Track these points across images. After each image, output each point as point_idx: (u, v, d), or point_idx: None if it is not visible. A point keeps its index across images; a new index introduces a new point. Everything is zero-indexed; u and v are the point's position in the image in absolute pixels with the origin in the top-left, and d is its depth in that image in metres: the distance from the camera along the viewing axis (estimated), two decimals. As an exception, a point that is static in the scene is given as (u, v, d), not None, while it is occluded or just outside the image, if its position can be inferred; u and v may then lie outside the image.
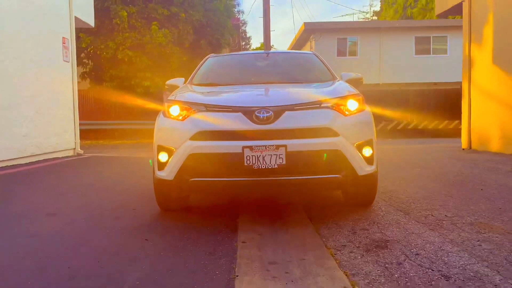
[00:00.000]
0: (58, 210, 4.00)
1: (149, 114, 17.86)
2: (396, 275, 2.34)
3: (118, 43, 16.30)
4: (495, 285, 2.15)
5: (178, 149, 3.30)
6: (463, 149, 9.71)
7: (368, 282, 2.26)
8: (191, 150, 3.24)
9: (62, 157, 8.69)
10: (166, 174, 3.37)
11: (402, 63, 24.35)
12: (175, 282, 2.29)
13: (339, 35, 25.07)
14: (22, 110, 7.39)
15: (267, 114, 3.22)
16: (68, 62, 9.18)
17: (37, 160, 7.84)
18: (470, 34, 9.42)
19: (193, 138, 3.26)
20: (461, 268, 2.39)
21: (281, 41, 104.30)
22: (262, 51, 6.36)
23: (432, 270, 2.39)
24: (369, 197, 3.83)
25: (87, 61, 17.87)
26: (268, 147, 3.17)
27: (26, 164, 7.28)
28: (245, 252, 2.75)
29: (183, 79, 4.64)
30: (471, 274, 2.31)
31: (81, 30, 15.04)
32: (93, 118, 17.81)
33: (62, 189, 5.22)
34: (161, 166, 3.43)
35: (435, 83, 23.32)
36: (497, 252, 2.64)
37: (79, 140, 9.63)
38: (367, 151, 3.45)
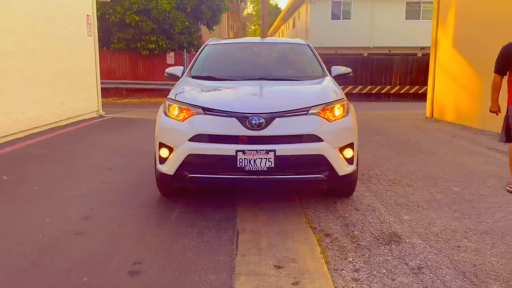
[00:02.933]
0: (113, 166, 5.75)
1: (153, 75, 19.35)
2: (330, 208, 4.13)
3: (125, 8, 17.50)
4: (380, 213, 3.96)
5: (178, 148, 3.66)
6: (427, 117, 11.48)
7: (312, 208, 4.05)
8: (190, 150, 3.61)
9: (90, 119, 10.43)
10: (167, 169, 3.75)
11: (393, 27, 25.55)
12: (205, 206, 4.09)
13: (334, -2, 26.03)
14: (60, 81, 9.00)
15: (259, 121, 3.55)
16: (91, 36, 10.66)
17: (71, 122, 9.55)
18: (438, 17, 10.92)
19: (192, 139, 3.61)
20: (366, 205, 4.19)
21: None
22: (258, 39, 6.75)
23: (346, 203, 4.20)
24: (349, 190, 4.37)
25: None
26: (259, 152, 3.53)
27: (65, 126, 9.00)
28: (243, 198, 4.56)
29: (181, 68, 5.01)
30: (366, 206, 4.12)
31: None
32: (102, 77, 19.26)
33: (107, 148, 6.98)
34: (162, 160, 3.82)
35: (423, 48, 24.70)
36: (388, 194, 4.46)
37: (101, 104, 11.28)
38: (348, 153, 3.83)
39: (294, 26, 33.58)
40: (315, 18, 26.12)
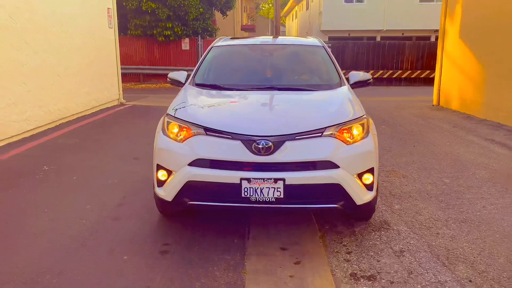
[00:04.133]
0: (138, 155, 6.37)
1: (169, 60, 19.90)
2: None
3: (142, -5, 18.00)
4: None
5: (177, 173, 3.34)
6: (433, 105, 11.87)
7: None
8: (189, 177, 3.27)
9: (112, 107, 11.10)
10: (165, 194, 3.45)
11: (406, 10, 25.48)
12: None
13: (347, -19, 26.01)
14: (85, 73, 9.64)
15: (267, 145, 3.18)
16: (112, 28, 11.22)
17: (96, 111, 10.23)
18: (446, 8, 11.18)
19: (192, 164, 3.28)
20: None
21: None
22: (269, 39, 5.94)
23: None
24: (367, 216, 3.92)
25: (112, 10, 19.63)
26: (266, 180, 3.17)
27: (91, 115, 9.67)
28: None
29: (185, 73, 4.66)
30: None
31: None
32: (120, 63, 19.92)
33: (132, 138, 7.61)
34: (160, 183, 3.52)
35: (436, 30, 24.63)
36: (384, 185, 4.99)
37: (122, 92, 11.93)
38: (368, 179, 3.43)
39: (307, 8, 33.56)
40: (328, 0, 26.17)
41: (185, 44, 19.76)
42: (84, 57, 9.57)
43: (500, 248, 3.47)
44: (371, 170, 3.43)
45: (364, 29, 26.17)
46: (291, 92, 4.17)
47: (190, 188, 3.32)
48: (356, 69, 19.60)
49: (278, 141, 3.23)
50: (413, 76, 19.55)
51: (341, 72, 4.60)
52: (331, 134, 3.34)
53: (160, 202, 3.63)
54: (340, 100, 3.95)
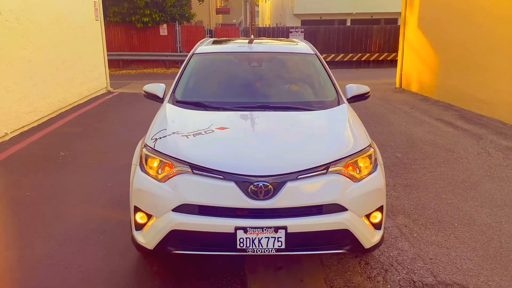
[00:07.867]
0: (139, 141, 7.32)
1: (147, 46, 20.53)
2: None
3: (120, -17, 18.47)
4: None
5: (159, 219, 2.91)
6: (396, 88, 13.15)
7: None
8: (174, 225, 2.84)
9: (101, 95, 11.91)
10: (145, 242, 3.00)
11: (374, -7, 26.64)
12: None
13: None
14: (78, 65, 10.41)
15: (265, 188, 2.77)
16: (98, 20, 11.92)
17: (88, 99, 11.03)
18: (406, 0, 12.37)
19: (176, 209, 2.84)
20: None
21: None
22: (256, 45, 5.23)
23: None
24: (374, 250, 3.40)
25: (90, -3, 19.99)
26: (265, 230, 2.79)
27: (85, 104, 10.49)
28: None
29: (164, 86, 4.22)
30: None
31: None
32: (99, 49, 20.41)
33: (128, 125, 8.53)
34: (139, 227, 3.07)
35: (402, 13, 25.91)
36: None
37: (109, 81, 12.70)
38: (376, 217, 3.11)
39: (280, -10, 34.22)
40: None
41: (163, 30, 20.40)
42: (77, 50, 10.33)
43: (431, 203, 4.68)
44: (380, 208, 3.14)
45: (335, 12, 27.21)
46: (286, 114, 3.76)
47: (175, 237, 2.90)
48: (328, 53, 20.76)
49: (279, 182, 2.81)
50: (380, 58, 20.85)
51: (338, 86, 4.24)
52: (337, 170, 2.94)
53: (140, 248, 3.13)
54: (343, 125, 3.56)
